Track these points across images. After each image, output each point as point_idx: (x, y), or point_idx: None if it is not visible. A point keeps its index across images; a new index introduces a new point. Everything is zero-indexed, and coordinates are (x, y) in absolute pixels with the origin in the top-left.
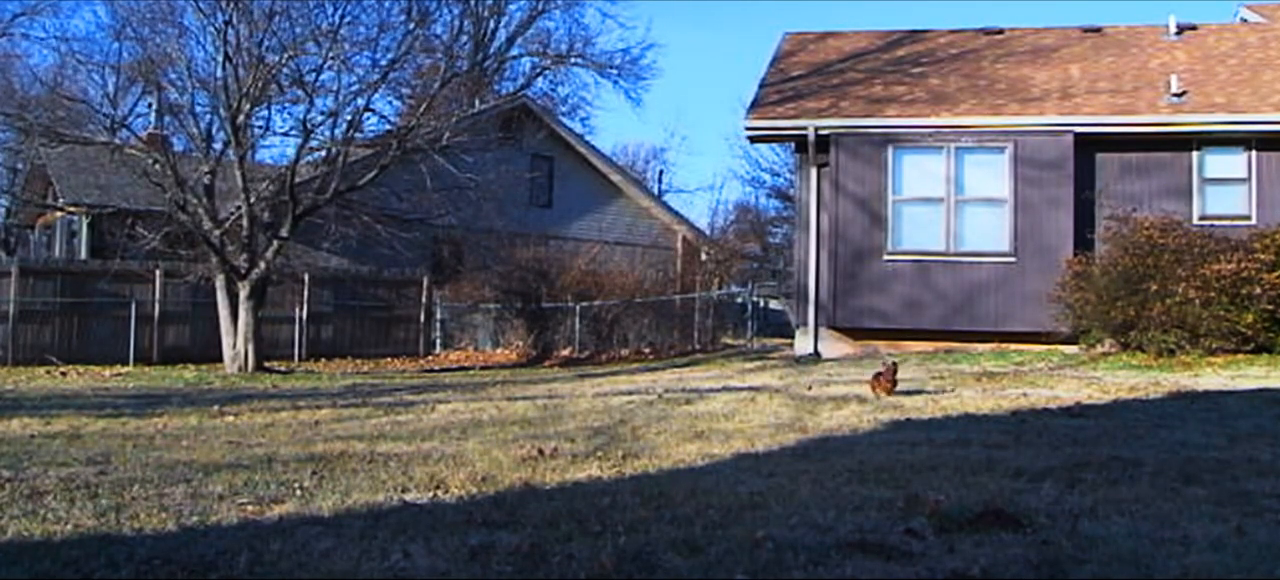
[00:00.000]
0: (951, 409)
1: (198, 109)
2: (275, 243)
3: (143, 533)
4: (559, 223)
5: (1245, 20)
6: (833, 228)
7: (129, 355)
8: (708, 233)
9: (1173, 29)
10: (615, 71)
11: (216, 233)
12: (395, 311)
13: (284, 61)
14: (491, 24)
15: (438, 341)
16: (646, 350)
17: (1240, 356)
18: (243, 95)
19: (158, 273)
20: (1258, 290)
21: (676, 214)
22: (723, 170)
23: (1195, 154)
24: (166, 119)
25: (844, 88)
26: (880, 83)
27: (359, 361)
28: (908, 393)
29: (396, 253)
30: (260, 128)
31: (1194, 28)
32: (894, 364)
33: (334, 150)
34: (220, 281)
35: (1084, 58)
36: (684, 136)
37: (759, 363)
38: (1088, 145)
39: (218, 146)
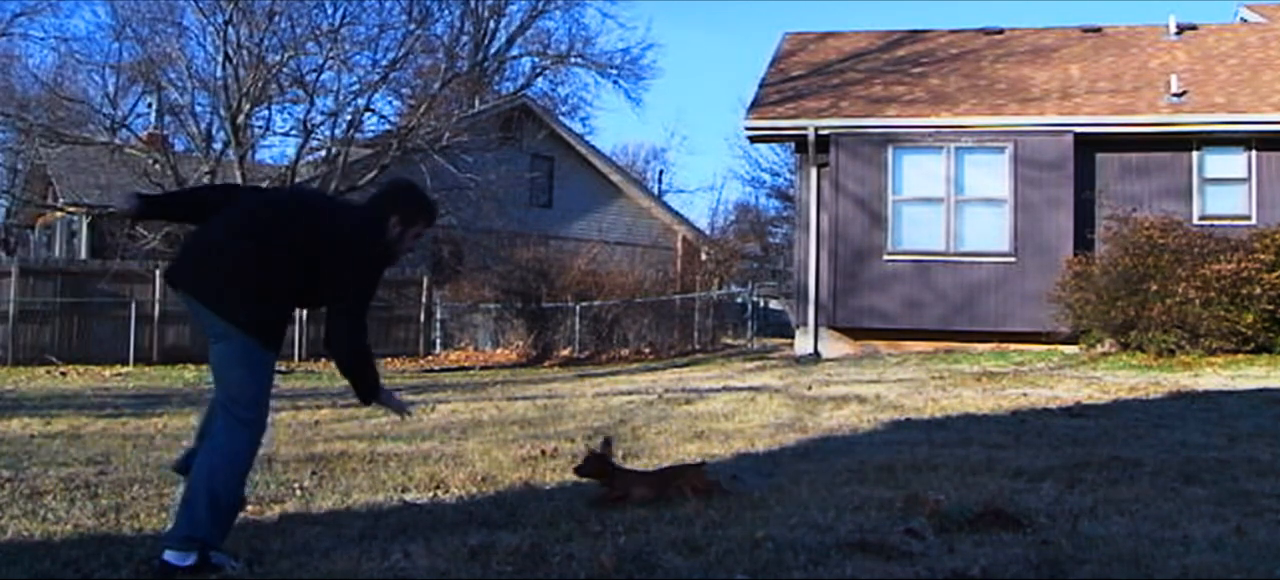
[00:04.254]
0: (951, 409)
1: (198, 109)
2: None
3: (143, 533)
4: (559, 223)
5: (1245, 20)
6: (833, 228)
7: (129, 355)
8: (708, 233)
9: (1173, 29)
10: (615, 71)
11: None
12: (395, 311)
13: (284, 61)
14: (491, 24)
15: (438, 341)
16: (646, 350)
17: (1240, 356)
18: (243, 95)
19: (158, 273)
20: (1258, 290)
21: (676, 214)
22: (723, 170)
23: (1195, 154)
24: (166, 119)
25: (844, 88)
26: (880, 83)
27: None
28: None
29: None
30: (260, 128)
31: (1194, 28)
32: (606, 440)
33: (334, 150)
34: None
35: (1084, 58)
36: (684, 136)
37: (759, 363)
38: (1088, 145)
39: (218, 146)
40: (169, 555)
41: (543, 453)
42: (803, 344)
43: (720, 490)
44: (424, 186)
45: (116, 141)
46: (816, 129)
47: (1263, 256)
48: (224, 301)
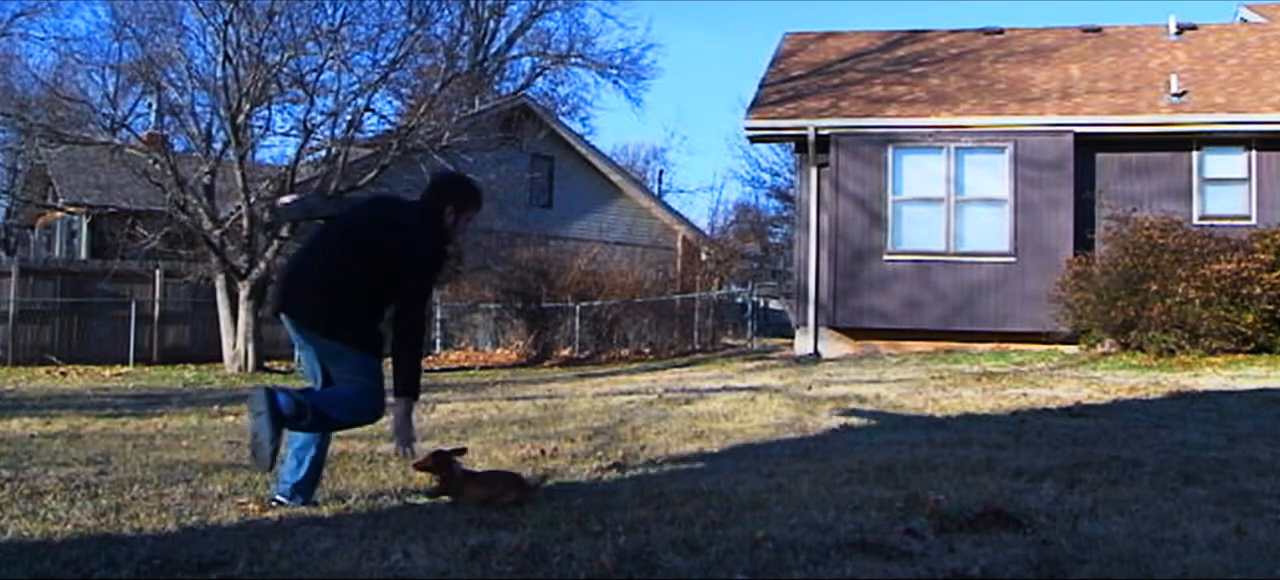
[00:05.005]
0: (951, 409)
1: (198, 109)
2: (275, 243)
3: (143, 533)
4: (559, 223)
5: (1245, 20)
6: (833, 228)
7: (129, 355)
8: (708, 233)
9: (1173, 29)
10: (615, 71)
11: (216, 233)
12: None
13: (284, 61)
14: (492, 24)
15: (437, 341)
16: (646, 350)
17: (1240, 356)
18: (243, 95)
19: (158, 273)
20: (1258, 290)
21: (676, 214)
22: (723, 170)
23: (1195, 154)
24: (166, 119)
25: (844, 88)
26: (880, 83)
27: None
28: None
29: None
30: (260, 128)
31: (1194, 28)
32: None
33: (334, 150)
34: (220, 281)
35: (1084, 58)
36: (684, 136)
37: (759, 363)
38: (1088, 145)
39: (218, 146)
40: (283, 399)
41: (543, 453)
42: (803, 344)
43: (535, 495)
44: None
45: (116, 141)
46: (816, 129)
47: (1263, 256)
48: (333, 329)
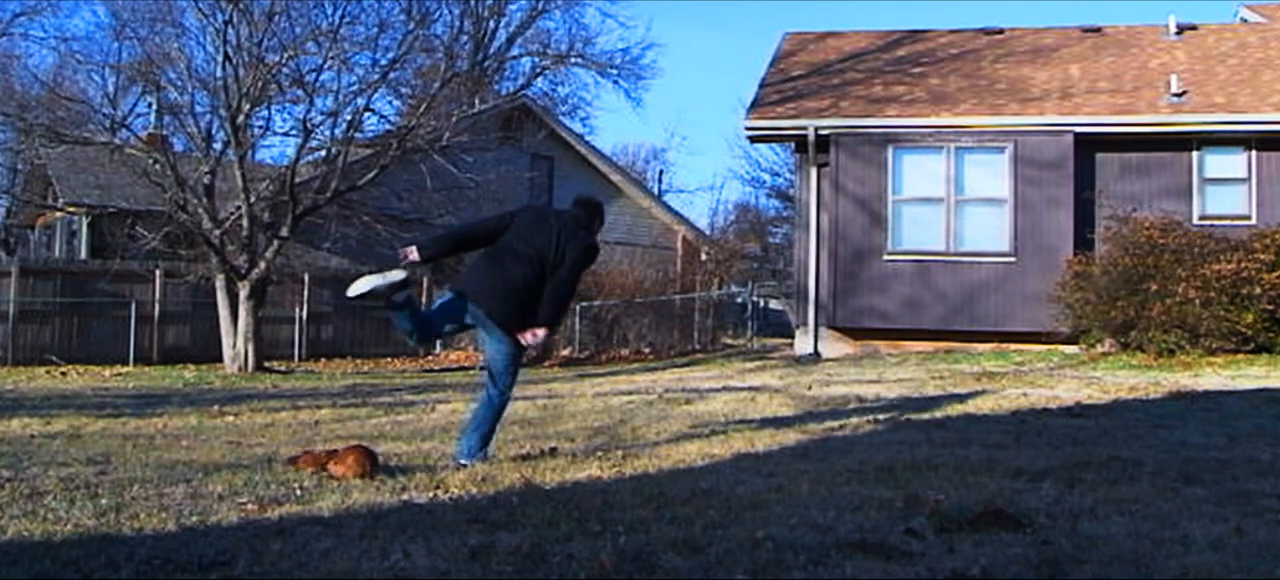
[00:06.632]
0: (951, 409)
1: (198, 109)
2: (275, 243)
3: (143, 533)
4: None
5: (1245, 20)
6: (833, 228)
7: (129, 355)
8: (708, 233)
9: (1173, 29)
10: (615, 71)
11: (216, 233)
12: None
13: (284, 61)
14: (491, 24)
15: (438, 341)
16: (646, 350)
17: (1240, 356)
18: (243, 95)
19: (158, 273)
20: (1258, 290)
21: (676, 214)
22: (723, 170)
23: (1195, 154)
24: (166, 119)
25: (844, 88)
26: (880, 83)
27: (359, 361)
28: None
29: (396, 253)
30: (260, 128)
31: (1194, 28)
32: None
33: (334, 150)
34: (220, 281)
35: (1084, 58)
36: (684, 136)
37: (759, 363)
38: (1088, 145)
39: (218, 146)
40: (463, 457)
41: (542, 453)
42: (803, 344)
43: (376, 466)
44: (424, 186)
45: (116, 141)
46: (816, 129)
47: (1263, 256)
48: (510, 320)
